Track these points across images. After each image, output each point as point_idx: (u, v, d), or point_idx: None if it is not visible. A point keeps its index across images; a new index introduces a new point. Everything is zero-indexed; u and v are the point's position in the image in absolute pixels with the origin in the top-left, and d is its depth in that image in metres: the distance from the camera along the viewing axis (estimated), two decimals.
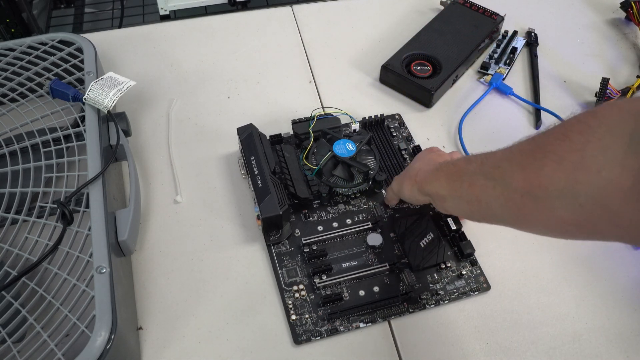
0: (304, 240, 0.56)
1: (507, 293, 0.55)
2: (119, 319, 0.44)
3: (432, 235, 0.56)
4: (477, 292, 0.53)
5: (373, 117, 0.67)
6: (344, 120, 0.67)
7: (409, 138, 0.67)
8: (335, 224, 0.58)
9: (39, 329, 0.43)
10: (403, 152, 0.65)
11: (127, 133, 0.64)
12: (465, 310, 0.53)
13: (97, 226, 0.48)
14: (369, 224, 0.58)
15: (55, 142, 0.56)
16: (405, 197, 0.55)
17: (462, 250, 0.55)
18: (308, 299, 0.53)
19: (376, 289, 0.53)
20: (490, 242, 0.59)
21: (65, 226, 0.48)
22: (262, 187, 0.56)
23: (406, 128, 0.68)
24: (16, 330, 0.43)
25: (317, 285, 0.53)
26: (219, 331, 0.52)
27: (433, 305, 0.53)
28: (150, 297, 0.54)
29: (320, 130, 0.62)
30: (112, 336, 0.42)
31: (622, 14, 0.86)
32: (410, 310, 0.52)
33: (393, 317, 0.52)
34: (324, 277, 0.54)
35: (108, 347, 0.42)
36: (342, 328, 0.51)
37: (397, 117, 0.69)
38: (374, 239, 0.56)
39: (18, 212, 0.51)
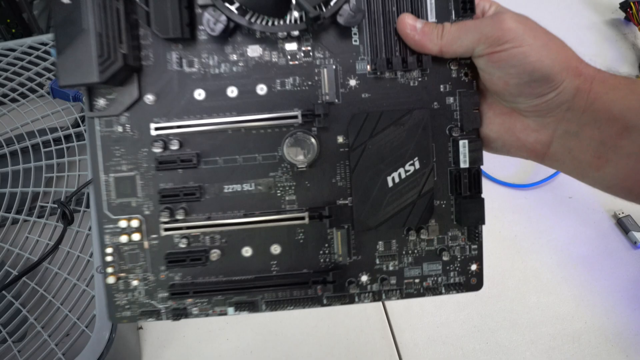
0: (155, 124, 0.31)
1: (507, 293, 0.55)
2: None
3: (418, 165, 0.30)
4: (454, 291, 0.32)
5: None
6: None
7: None
8: (231, 91, 0.31)
9: (39, 329, 0.43)
10: None
11: None
12: (465, 309, 0.53)
13: None
14: (296, 115, 0.30)
15: (55, 142, 0.56)
16: (490, 68, 0.29)
17: (463, 209, 0.30)
18: (147, 247, 0.32)
19: (276, 249, 0.32)
20: (490, 241, 0.59)
21: (66, 226, 0.48)
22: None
23: None
24: (17, 329, 0.43)
25: (164, 228, 0.31)
26: (219, 331, 0.52)
27: (367, 301, 0.32)
28: None
29: None
30: (113, 336, 0.42)
31: (622, 15, 0.86)
32: (325, 302, 0.32)
33: (291, 307, 0.32)
34: (180, 214, 0.31)
35: (108, 346, 0.42)
36: (195, 311, 0.32)
37: None
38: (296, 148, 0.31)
39: (19, 212, 0.51)
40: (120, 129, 0.31)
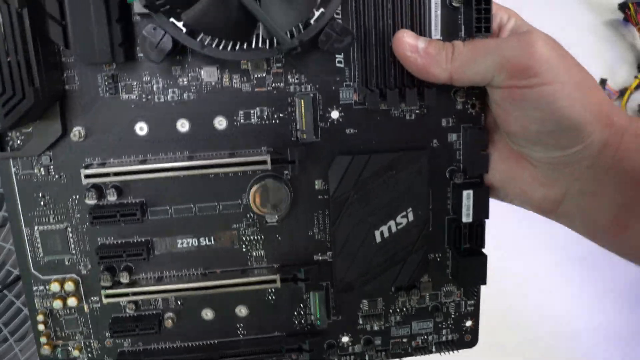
0: (86, 170, 0.23)
1: (507, 293, 0.55)
2: None
3: (412, 217, 0.25)
4: (445, 350, 0.28)
5: None
6: None
7: None
8: (181, 125, 0.24)
9: None
10: None
11: None
12: None
13: None
14: (264, 160, 0.24)
15: None
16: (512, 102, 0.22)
17: (462, 268, 0.27)
18: (88, 311, 0.26)
19: (242, 310, 0.27)
20: (489, 241, 0.59)
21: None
22: None
23: None
24: (18, 329, 0.44)
25: (105, 295, 0.25)
26: None
27: None
28: None
29: None
30: None
31: (620, 15, 0.86)
32: None
33: None
34: (124, 277, 0.25)
35: None
36: None
37: None
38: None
39: None
40: (42, 171, 0.24)
